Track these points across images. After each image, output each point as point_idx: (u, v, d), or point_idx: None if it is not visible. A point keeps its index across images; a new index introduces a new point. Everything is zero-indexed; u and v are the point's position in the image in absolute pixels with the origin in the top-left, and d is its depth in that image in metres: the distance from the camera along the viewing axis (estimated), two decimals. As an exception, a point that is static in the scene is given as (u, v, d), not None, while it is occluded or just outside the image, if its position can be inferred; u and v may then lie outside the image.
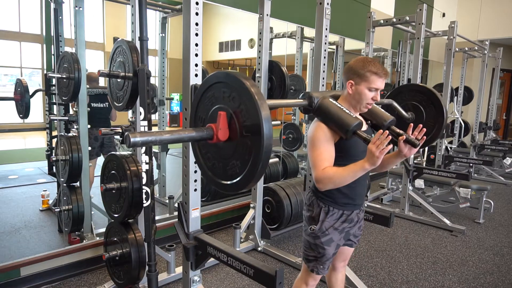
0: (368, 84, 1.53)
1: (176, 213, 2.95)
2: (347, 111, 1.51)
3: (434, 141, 2.36)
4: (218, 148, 1.25)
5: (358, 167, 1.41)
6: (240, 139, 1.16)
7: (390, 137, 1.35)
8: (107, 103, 3.72)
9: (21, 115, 3.59)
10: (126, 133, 1.04)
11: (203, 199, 3.64)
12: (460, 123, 6.11)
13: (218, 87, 1.22)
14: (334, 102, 1.55)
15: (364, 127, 1.64)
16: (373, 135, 1.63)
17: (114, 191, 2.06)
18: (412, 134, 1.44)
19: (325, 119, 1.54)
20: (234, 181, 1.20)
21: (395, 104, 2.22)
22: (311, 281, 1.76)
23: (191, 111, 1.34)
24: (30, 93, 3.52)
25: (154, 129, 2.01)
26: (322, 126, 1.53)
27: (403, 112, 2.26)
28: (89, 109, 2.98)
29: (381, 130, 1.37)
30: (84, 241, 2.80)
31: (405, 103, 2.36)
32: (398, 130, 1.63)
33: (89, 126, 2.93)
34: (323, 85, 2.58)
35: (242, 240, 3.13)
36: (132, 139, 1.03)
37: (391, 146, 1.34)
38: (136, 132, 1.06)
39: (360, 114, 1.67)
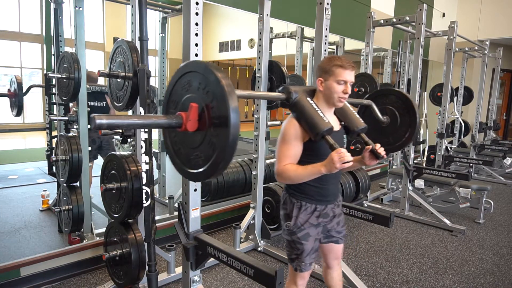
0: (335, 78, 1.57)
1: (176, 213, 2.96)
2: (321, 114, 1.54)
3: (403, 148, 2.43)
4: (186, 136, 1.24)
5: (315, 169, 1.48)
6: (207, 132, 1.16)
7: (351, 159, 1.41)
8: (104, 102, 3.69)
9: (13, 113, 3.57)
10: (92, 115, 1.03)
11: (203, 199, 3.64)
12: (460, 123, 6.11)
13: (194, 76, 1.21)
14: (311, 102, 1.59)
15: (337, 127, 1.70)
16: (344, 136, 1.77)
17: (114, 191, 2.06)
18: (377, 148, 1.54)
19: (299, 117, 1.58)
20: (197, 171, 1.22)
21: (374, 106, 2.27)
22: (299, 280, 1.76)
23: (165, 94, 1.34)
24: (24, 90, 3.49)
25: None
26: (294, 123, 1.57)
27: (379, 115, 2.30)
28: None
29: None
30: (84, 241, 2.80)
31: (384, 106, 2.36)
32: (366, 139, 1.70)
33: None
34: (323, 85, 2.58)
35: (242, 240, 3.13)
36: (97, 121, 1.02)
37: (351, 164, 1.40)
38: (103, 115, 1.04)
39: (334, 114, 1.73)
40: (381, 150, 1.54)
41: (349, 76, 1.58)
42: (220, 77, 1.10)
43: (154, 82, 4.94)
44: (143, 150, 2.03)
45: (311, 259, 1.71)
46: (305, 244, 1.67)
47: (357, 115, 1.79)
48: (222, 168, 1.15)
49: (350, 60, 1.60)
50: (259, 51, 2.91)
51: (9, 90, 3.51)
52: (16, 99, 3.45)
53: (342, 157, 1.37)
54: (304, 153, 1.59)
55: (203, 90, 1.17)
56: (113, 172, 2.06)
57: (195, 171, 1.23)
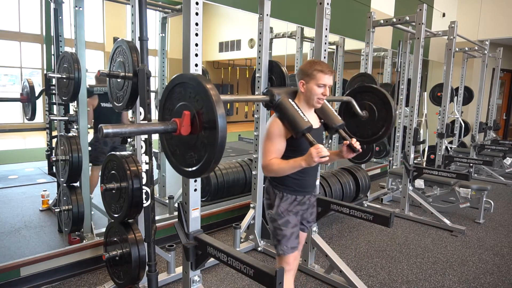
0: (316, 81, 1.74)
1: (176, 213, 2.95)
2: (302, 114, 1.71)
3: (379, 141, 2.60)
4: (180, 139, 1.41)
5: (296, 163, 1.64)
6: (199, 135, 1.33)
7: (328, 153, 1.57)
8: None
9: (27, 117, 3.55)
10: (99, 126, 1.19)
11: (203, 199, 3.64)
12: (460, 123, 6.11)
13: (185, 86, 1.37)
14: (292, 103, 1.76)
15: (317, 125, 1.88)
16: (324, 132, 1.95)
17: (114, 191, 2.05)
18: (354, 143, 1.70)
19: (282, 117, 1.74)
20: (192, 169, 1.38)
21: (353, 102, 2.44)
22: (285, 266, 1.86)
23: (160, 102, 1.49)
24: (36, 94, 3.47)
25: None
26: (278, 122, 1.74)
27: (359, 110, 2.47)
28: (88, 109, 2.95)
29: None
30: (84, 241, 2.80)
31: (363, 102, 2.53)
32: (344, 134, 1.87)
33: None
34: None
35: (242, 240, 3.13)
36: (104, 130, 1.20)
37: (327, 158, 1.55)
38: (109, 125, 1.21)
39: (315, 112, 1.89)
40: (357, 145, 1.70)
41: (329, 80, 1.75)
42: (208, 88, 1.26)
43: (154, 82, 4.94)
44: (143, 150, 2.03)
45: (292, 244, 1.85)
46: (285, 230, 1.83)
47: (336, 113, 1.96)
48: (214, 165, 1.30)
49: (328, 65, 1.79)
50: (259, 51, 2.91)
51: (21, 94, 3.49)
52: (29, 103, 3.41)
53: (320, 152, 1.53)
54: (286, 149, 1.75)
55: (194, 98, 1.33)
56: (113, 172, 2.06)
57: (190, 169, 1.38)
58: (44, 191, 3.88)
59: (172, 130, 1.35)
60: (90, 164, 3.34)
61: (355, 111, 2.45)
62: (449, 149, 5.96)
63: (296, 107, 1.73)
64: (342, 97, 2.45)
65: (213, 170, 1.37)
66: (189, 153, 1.37)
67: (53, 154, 3.03)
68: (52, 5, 3.00)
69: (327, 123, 1.92)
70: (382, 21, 4.27)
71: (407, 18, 4.10)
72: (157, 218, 3.07)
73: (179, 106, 1.39)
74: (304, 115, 1.71)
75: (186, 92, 1.36)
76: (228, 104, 13.41)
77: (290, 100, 1.77)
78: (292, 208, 1.85)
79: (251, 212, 3.10)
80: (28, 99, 3.42)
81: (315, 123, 1.84)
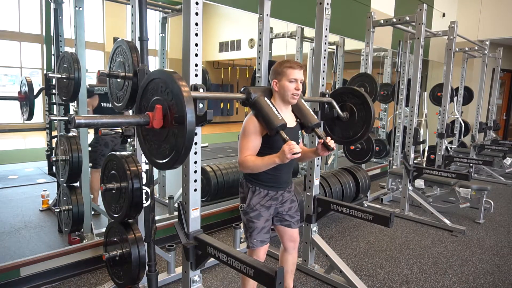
0: (287, 77, 1.82)
1: (176, 213, 2.95)
2: (276, 112, 1.76)
3: (360, 140, 2.66)
4: (154, 132, 1.46)
5: (270, 160, 1.70)
6: (171, 128, 1.37)
7: (300, 147, 1.65)
8: None
9: (24, 116, 3.50)
10: (72, 116, 1.19)
11: (203, 199, 3.64)
12: (460, 123, 6.11)
13: (157, 82, 1.41)
14: (268, 102, 1.81)
15: (293, 123, 1.94)
16: (300, 131, 2.01)
17: (114, 191, 2.05)
18: (328, 141, 1.78)
19: (257, 115, 1.80)
20: (164, 161, 1.42)
21: (334, 103, 2.51)
22: (254, 256, 1.95)
23: (137, 98, 1.54)
24: (35, 93, 3.42)
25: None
26: (254, 120, 1.80)
27: (339, 111, 2.54)
28: (88, 109, 2.95)
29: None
30: (84, 241, 2.80)
31: (344, 103, 2.61)
32: (319, 133, 1.94)
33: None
34: (323, 85, 2.58)
35: (242, 240, 3.13)
36: (77, 121, 1.19)
37: (299, 155, 1.60)
38: (81, 116, 1.25)
39: (292, 111, 1.96)
40: (331, 143, 1.78)
41: (299, 74, 1.83)
42: (180, 84, 1.31)
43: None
44: (143, 150, 2.03)
45: (262, 237, 1.95)
46: (256, 223, 1.92)
47: (312, 112, 2.01)
48: (184, 155, 1.34)
49: (298, 61, 1.87)
50: (259, 51, 2.90)
51: (19, 92, 3.41)
52: (27, 102, 3.33)
53: (292, 148, 1.59)
54: (262, 146, 1.82)
55: (166, 94, 1.37)
56: (113, 172, 2.06)
57: (162, 161, 1.43)
58: (44, 191, 3.88)
59: (144, 123, 1.38)
60: (90, 166, 3.33)
61: (336, 112, 2.52)
62: (449, 149, 5.97)
63: (271, 105, 1.78)
64: (322, 98, 2.49)
65: (184, 161, 1.45)
66: (163, 145, 1.42)
67: (53, 154, 3.02)
68: (52, 5, 3.00)
69: (303, 122, 1.98)
70: (382, 21, 4.28)
71: (407, 18, 4.10)
72: (157, 218, 3.08)
73: (153, 101, 1.43)
74: (278, 112, 1.76)
75: (160, 88, 1.40)
76: (228, 104, 13.39)
77: (265, 98, 1.82)
78: (264, 202, 1.92)
79: (251, 212, 3.09)
80: (26, 97, 3.36)
81: (291, 122, 1.91)
